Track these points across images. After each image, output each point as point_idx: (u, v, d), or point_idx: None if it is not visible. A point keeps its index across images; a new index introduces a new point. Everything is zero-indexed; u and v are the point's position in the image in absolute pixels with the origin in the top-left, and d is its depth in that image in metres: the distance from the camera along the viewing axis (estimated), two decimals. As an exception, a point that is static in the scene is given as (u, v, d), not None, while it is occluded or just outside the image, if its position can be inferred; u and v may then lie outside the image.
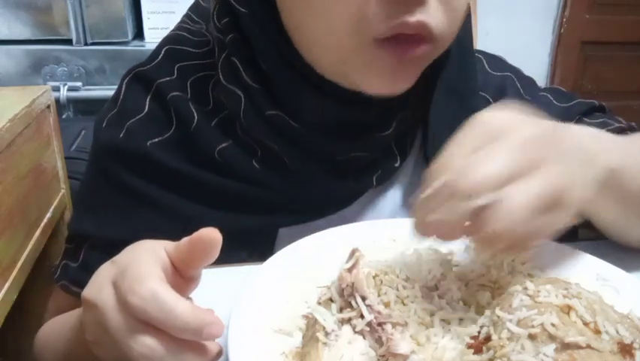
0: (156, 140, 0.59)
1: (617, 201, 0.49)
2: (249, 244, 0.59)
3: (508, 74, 0.70)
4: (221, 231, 0.59)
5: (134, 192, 0.60)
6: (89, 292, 0.39)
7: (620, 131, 0.64)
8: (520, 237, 0.38)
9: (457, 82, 0.62)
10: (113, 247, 0.57)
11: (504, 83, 0.68)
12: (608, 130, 0.63)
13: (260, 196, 0.59)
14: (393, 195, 0.65)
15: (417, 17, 0.48)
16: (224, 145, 0.58)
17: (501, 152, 0.38)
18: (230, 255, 0.58)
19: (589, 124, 0.65)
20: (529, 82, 0.70)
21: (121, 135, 0.60)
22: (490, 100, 0.67)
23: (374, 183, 0.61)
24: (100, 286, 0.38)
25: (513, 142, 0.39)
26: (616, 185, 0.46)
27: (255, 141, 0.59)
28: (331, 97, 0.56)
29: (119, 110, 0.62)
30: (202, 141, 0.59)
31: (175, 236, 0.57)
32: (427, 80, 0.60)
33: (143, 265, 0.37)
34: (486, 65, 0.70)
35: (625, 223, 0.53)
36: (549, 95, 0.69)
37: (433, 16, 0.49)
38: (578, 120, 0.66)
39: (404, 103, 0.60)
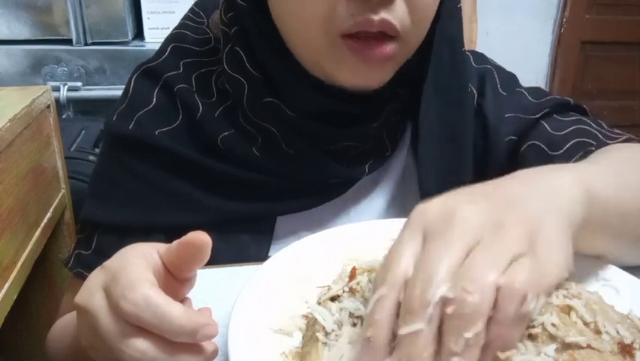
0: (165, 129, 0.62)
1: (602, 235, 0.46)
2: (249, 231, 0.62)
3: (489, 67, 0.72)
4: (222, 216, 0.61)
5: (143, 179, 0.62)
6: (81, 297, 0.39)
7: (595, 137, 0.63)
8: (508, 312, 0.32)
9: (447, 79, 0.64)
10: (124, 233, 0.61)
11: (484, 74, 0.70)
12: (582, 130, 0.63)
13: (259, 183, 0.61)
14: (385, 185, 0.67)
15: (381, 16, 0.51)
16: (226, 133, 0.61)
17: (441, 249, 0.34)
18: (230, 240, 0.61)
19: (559, 121, 0.65)
20: (508, 77, 0.72)
21: (131, 126, 0.62)
22: (474, 91, 0.69)
23: (366, 170, 0.63)
24: (91, 291, 0.38)
25: (453, 232, 0.35)
26: (598, 219, 0.43)
27: (256, 129, 0.61)
28: (320, 89, 0.58)
29: (128, 104, 0.64)
30: (207, 129, 0.61)
31: (181, 221, 0.60)
32: (418, 74, 0.64)
33: (135, 270, 0.37)
34: (472, 61, 0.72)
35: (617, 252, 0.50)
36: (525, 92, 0.70)
37: (399, 16, 0.52)
38: (546, 115, 0.66)
39: (393, 96, 0.63)
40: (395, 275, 0.34)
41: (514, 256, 0.34)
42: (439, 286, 0.32)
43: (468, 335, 0.32)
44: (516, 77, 0.73)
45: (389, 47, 0.53)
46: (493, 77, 0.71)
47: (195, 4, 0.72)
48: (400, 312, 0.33)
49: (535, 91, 0.71)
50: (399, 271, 0.34)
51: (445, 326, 0.32)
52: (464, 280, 0.32)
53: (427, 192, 0.64)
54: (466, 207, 0.36)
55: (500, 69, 0.73)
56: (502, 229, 0.35)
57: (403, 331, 0.33)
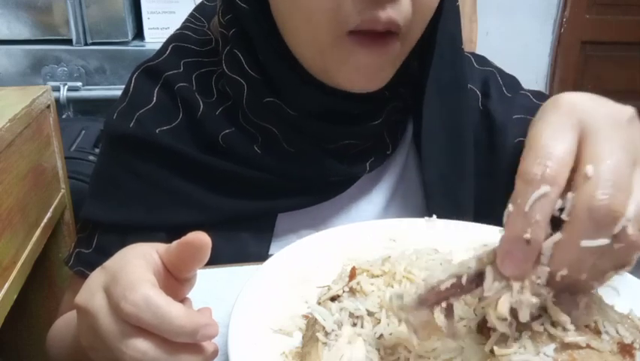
0: (165, 127, 0.62)
1: None
2: (249, 229, 0.62)
3: (492, 69, 0.72)
4: (223, 215, 0.61)
5: (144, 178, 0.62)
6: (81, 298, 0.39)
7: None
8: None
9: (447, 78, 0.64)
10: (125, 232, 0.61)
11: (487, 76, 0.71)
12: None
13: (260, 181, 0.61)
14: (386, 183, 0.68)
15: (388, 13, 0.51)
16: (227, 131, 0.61)
17: (617, 158, 0.32)
18: (230, 238, 0.61)
19: None
20: (511, 80, 0.72)
21: (131, 125, 0.62)
22: (478, 92, 0.69)
23: (367, 168, 0.63)
24: (92, 292, 0.38)
25: (622, 137, 0.33)
26: None
27: (257, 128, 0.61)
28: (321, 88, 0.58)
29: (128, 103, 0.64)
30: (207, 127, 0.61)
31: (182, 219, 0.61)
32: (418, 73, 0.64)
33: (135, 270, 0.37)
34: (474, 62, 0.73)
35: None
36: (529, 95, 0.71)
37: (403, 13, 0.52)
38: None
39: (394, 94, 0.63)
40: (558, 176, 0.31)
41: None
42: (629, 206, 0.31)
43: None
44: (517, 80, 0.73)
45: (393, 44, 0.54)
46: (497, 80, 0.71)
47: (195, 10, 0.73)
48: (578, 214, 0.31)
49: (538, 94, 0.71)
50: (562, 170, 0.31)
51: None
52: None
53: (431, 192, 0.64)
54: (627, 109, 0.35)
55: (502, 72, 0.73)
56: None
57: (589, 243, 0.31)
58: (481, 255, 0.36)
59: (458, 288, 0.36)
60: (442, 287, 0.37)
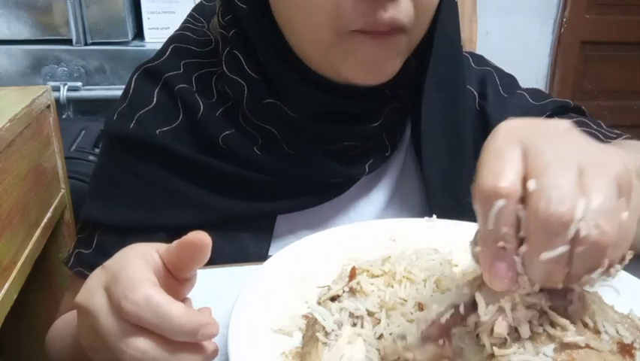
0: (165, 128, 0.62)
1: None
2: (249, 229, 0.63)
3: (489, 68, 0.72)
4: (223, 215, 0.61)
5: (144, 178, 0.62)
6: (82, 297, 0.39)
7: (595, 137, 0.64)
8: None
9: (446, 78, 0.64)
10: (125, 232, 0.61)
11: (484, 76, 0.71)
12: (583, 131, 0.65)
13: (260, 182, 0.62)
14: (384, 185, 0.68)
15: (390, 13, 0.51)
16: (227, 133, 0.61)
17: (558, 167, 0.32)
18: (230, 239, 0.61)
19: None
20: (508, 79, 0.73)
21: (131, 126, 0.62)
22: (475, 93, 0.70)
23: (366, 170, 0.64)
24: (92, 291, 0.38)
25: (562, 148, 0.34)
26: None
27: (257, 130, 0.62)
28: (322, 88, 0.59)
29: (129, 103, 0.64)
30: (207, 128, 0.62)
31: (182, 220, 0.61)
32: (417, 74, 0.64)
33: (135, 270, 0.37)
34: (471, 62, 0.73)
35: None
36: (525, 94, 0.71)
37: (405, 10, 0.52)
38: (549, 117, 0.67)
39: (393, 95, 0.63)
40: (510, 186, 0.32)
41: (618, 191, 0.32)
42: (576, 210, 0.31)
43: (594, 271, 0.32)
44: (515, 79, 0.73)
45: (399, 38, 0.54)
46: (494, 79, 0.71)
47: (193, 10, 0.73)
48: (531, 228, 0.31)
49: (535, 93, 0.71)
50: (512, 181, 0.32)
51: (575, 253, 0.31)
52: (596, 213, 0.31)
53: (433, 190, 0.65)
54: (563, 122, 0.36)
55: (500, 71, 0.73)
56: (602, 158, 0.34)
57: (548, 255, 0.31)
58: (470, 281, 0.37)
59: (458, 318, 0.37)
60: (443, 320, 0.37)
